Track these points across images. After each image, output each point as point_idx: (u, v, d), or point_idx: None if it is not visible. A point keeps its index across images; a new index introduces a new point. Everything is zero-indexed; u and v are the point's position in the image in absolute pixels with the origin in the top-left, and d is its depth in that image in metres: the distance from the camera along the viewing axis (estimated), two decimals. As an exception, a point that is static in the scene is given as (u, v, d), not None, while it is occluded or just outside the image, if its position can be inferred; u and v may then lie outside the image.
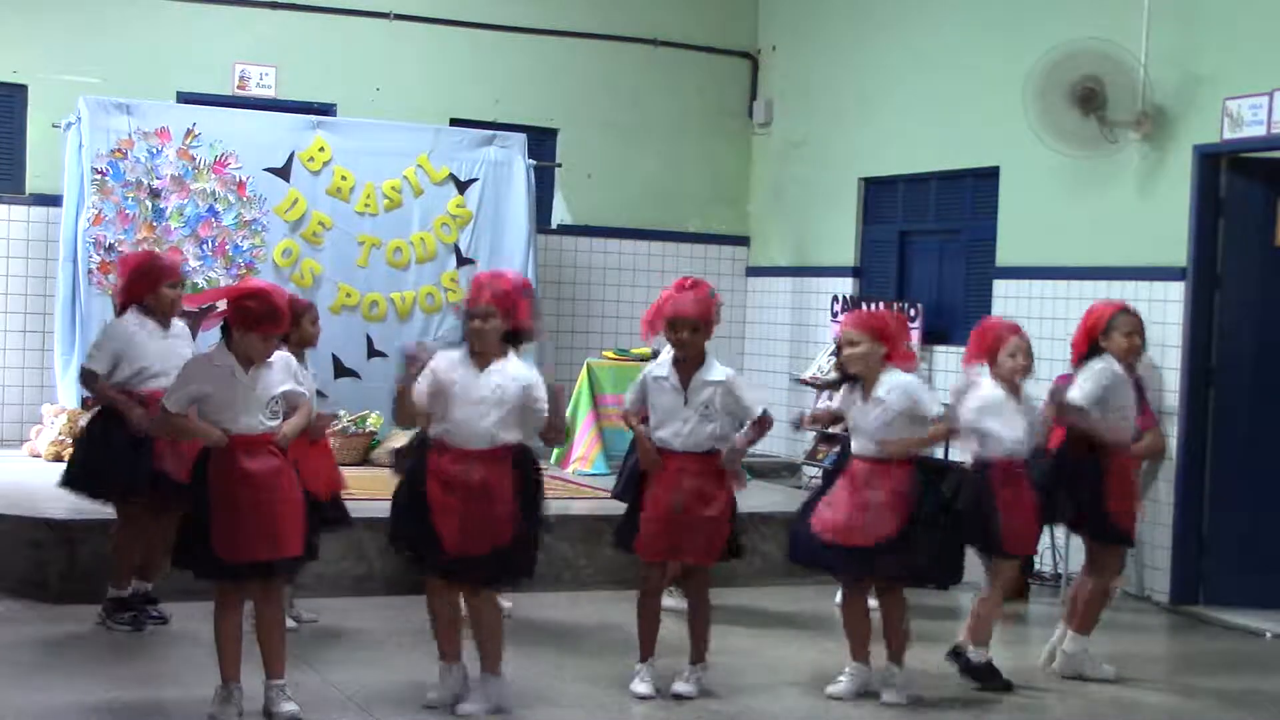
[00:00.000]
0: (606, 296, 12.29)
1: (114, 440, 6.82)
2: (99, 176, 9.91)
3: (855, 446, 6.38)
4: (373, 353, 10.63)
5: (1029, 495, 6.59)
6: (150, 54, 10.91)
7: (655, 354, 7.37)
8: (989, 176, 10.25)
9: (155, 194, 10.06)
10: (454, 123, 11.54)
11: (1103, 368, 6.75)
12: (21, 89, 10.67)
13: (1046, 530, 7.79)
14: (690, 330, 6.16)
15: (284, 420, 5.70)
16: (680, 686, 6.28)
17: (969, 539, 6.48)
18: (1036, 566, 9.04)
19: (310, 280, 10.42)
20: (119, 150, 9.99)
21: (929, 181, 11.00)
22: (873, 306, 10.55)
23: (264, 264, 10.31)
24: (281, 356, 5.75)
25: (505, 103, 11.93)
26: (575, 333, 12.15)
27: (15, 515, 7.74)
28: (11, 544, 7.62)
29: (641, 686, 6.26)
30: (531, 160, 11.23)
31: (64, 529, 7.56)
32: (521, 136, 11.27)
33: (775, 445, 11.97)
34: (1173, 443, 8.53)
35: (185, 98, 10.85)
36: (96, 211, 9.88)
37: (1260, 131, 8.20)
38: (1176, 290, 8.61)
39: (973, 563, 6.69)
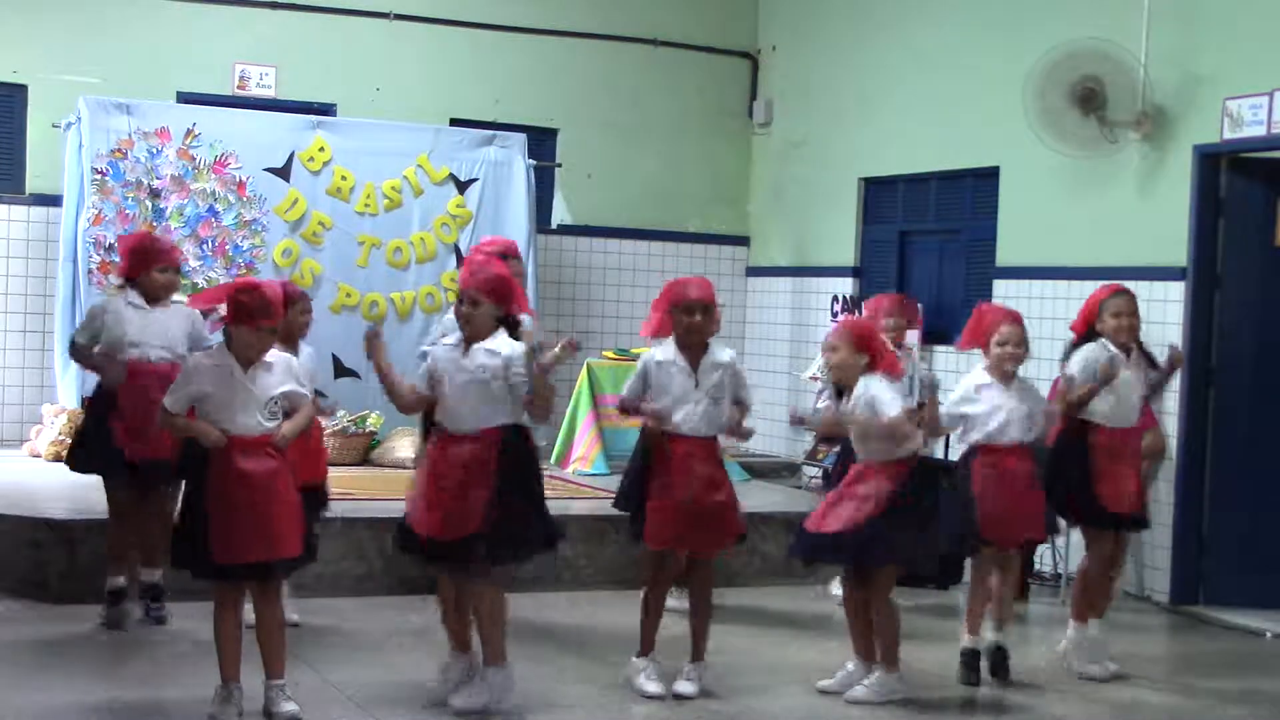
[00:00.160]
0: (606, 296, 12.29)
1: (98, 420, 7.01)
2: (99, 176, 9.92)
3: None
4: (373, 353, 10.62)
5: (1015, 481, 6.58)
6: (150, 54, 10.91)
7: None
8: (989, 176, 10.25)
9: (155, 194, 10.06)
10: (454, 123, 11.54)
11: (1091, 347, 6.81)
12: (21, 89, 10.67)
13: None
14: (702, 311, 6.20)
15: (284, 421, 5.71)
16: (682, 686, 6.28)
17: (948, 527, 6.45)
18: (1036, 566, 9.05)
19: (310, 280, 10.42)
20: (119, 150, 9.99)
21: (929, 181, 11.00)
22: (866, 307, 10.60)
23: (264, 264, 10.31)
24: (282, 358, 5.74)
25: (505, 103, 11.93)
26: (575, 333, 12.09)
27: (15, 515, 7.74)
28: (11, 544, 7.62)
29: (651, 685, 6.25)
30: (531, 160, 11.24)
31: (64, 529, 7.56)
32: (521, 136, 11.28)
33: (775, 445, 11.99)
34: (1173, 443, 8.54)
35: (185, 98, 10.85)
36: (96, 211, 9.88)
37: (1260, 131, 8.20)
38: (1176, 290, 8.61)
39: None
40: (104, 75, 10.69)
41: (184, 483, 5.80)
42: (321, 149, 10.60)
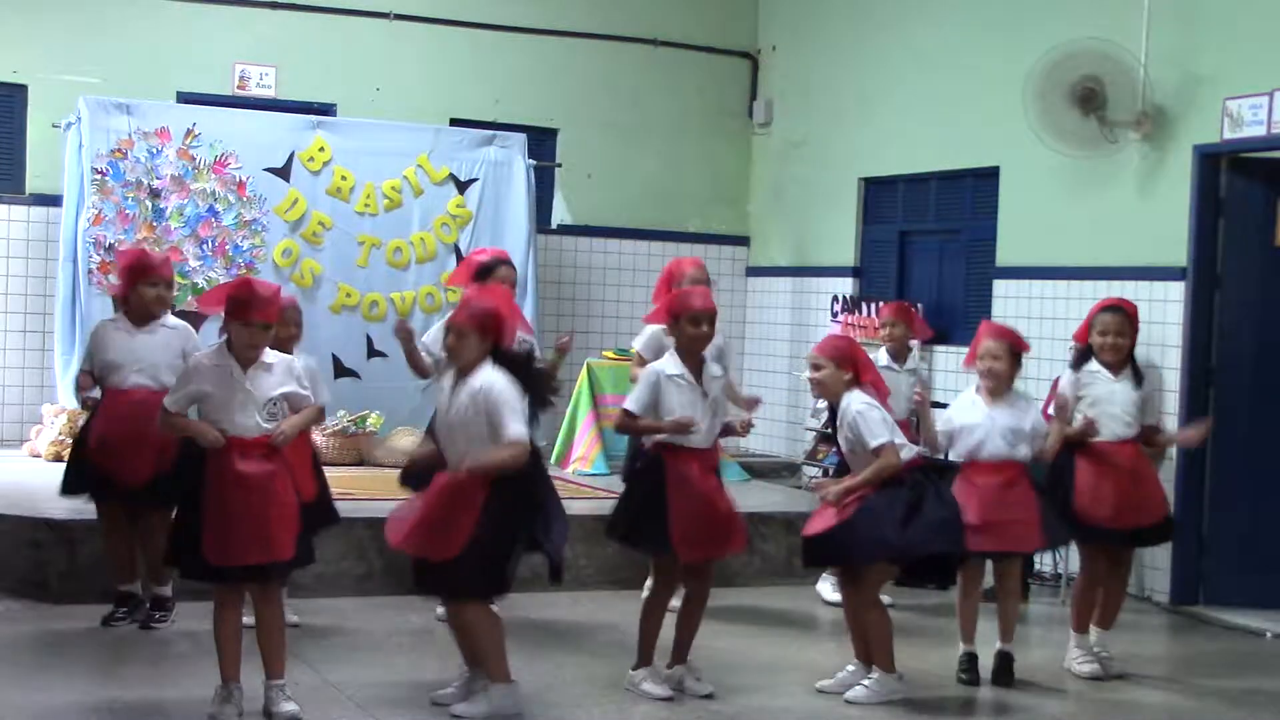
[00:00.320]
0: (606, 296, 12.28)
1: (78, 445, 7.13)
2: (99, 176, 9.92)
3: None
4: (373, 353, 10.63)
5: (985, 494, 6.56)
6: (150, 54, 10.91)
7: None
8: (989, 176, 10.25)
9: (155, 194, 10.06)
10: (454, 123, 11.54)
11: (1073, 375, 6.93)
12: (21, 89, 10.67)
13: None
14: (708, 323, 6.22)
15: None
16: (700, 686, 6.31)
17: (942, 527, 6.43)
18: (1037, 566, 9.05)
19: (310, 280, 10.43)
20: (119, 150, 9.99)
21: (929, 181, 11.00)
22: (876, 305, 10.61)
23: (264, 264, 10.31)
24: (283, 359, 5.74)
25: (505, 103, 11.93)
26: (575, 333, 12.12)
27: (15, 515, 7.74)
28: (11, 544, 7.62)
29: (660, 689, 6.24)
30: (531, 160, 11.23)
31: (64, 529, 7.56)
32: (521, 136, 11.28)
33: (775, 445, 11.99)
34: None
35: (185, 98, 10.85)
36: (96, 211, 9.88)
37: (1260, 131, 8.20)
38: (1176, 290, 8.61)
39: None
40: (104, 75, 10.69)
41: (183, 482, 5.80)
42: (321, 149, 10.59)
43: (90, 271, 9.80)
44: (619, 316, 12.11)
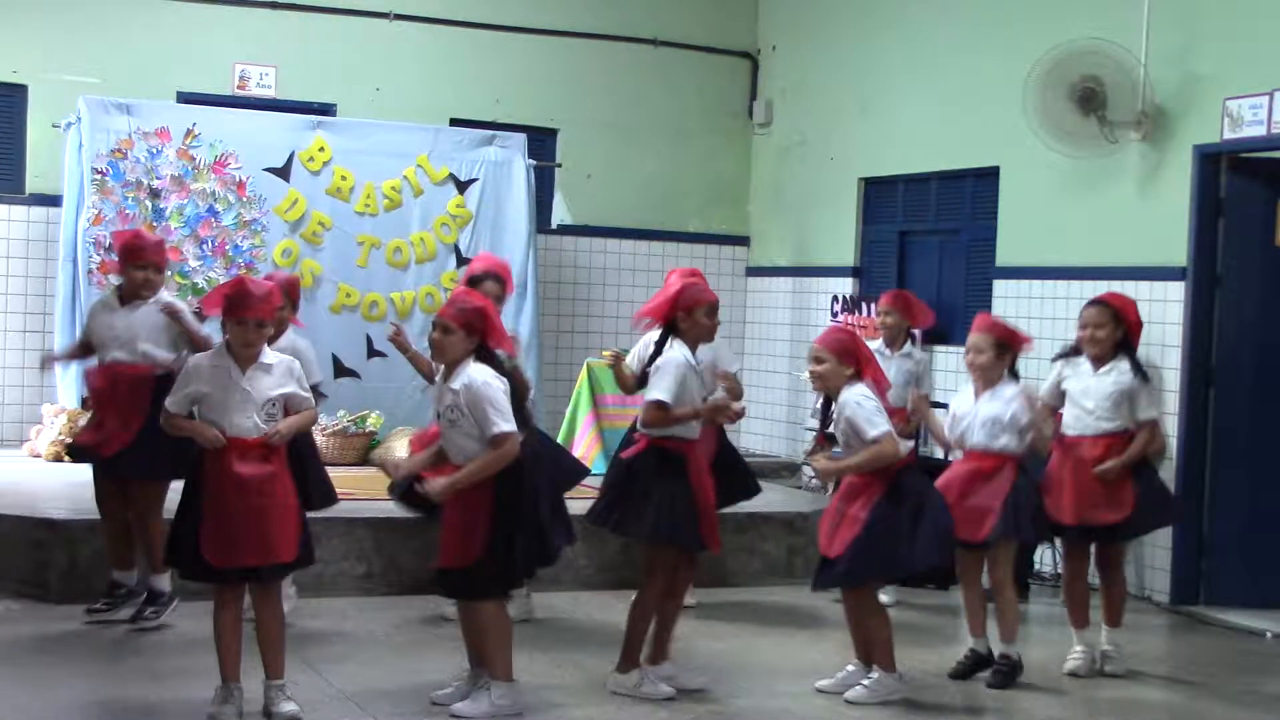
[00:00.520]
0: (606, 296, 12.28)
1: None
2: (99, 176, 9.92)
3: None
4: (373, 353, 10.63)
5: (955, 483, 6.58)
6: (150, 54, 10.91)
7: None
8: (989, 176, 10.25)
9: (155, 194, 10.06)
10: (454, 123, 11.54)
11: (1045, 378, 7.04)
12: (21, 89, 10.67)
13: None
14: (716, 314, 6.39)
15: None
16: (693, 678, 6.35)
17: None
18: (1036, 566, 9.05)
19: (310, 280, 10.42)
20: (119, 150, 9.99)
21: (929, 181, 11.00)
22: (876, 305, 10.60)
23: (264, 264, 10.31)
24: (283, 360, 5.74)
25: (505, 103, 11.93)
26: (575, 333, 12.16)
27: (15, 515, 7.74)
28: (11, 544, 7.62)
29: (664, 687, 6.24)
30: (531, 160, 11.23)
31: (64, 529, 7.56)
32: (521, 136, 11.28)
33: (775, 445, 11.99)
34: (1173, 443, 8.53)
35: (185, 98, 10.85)
36: (96, 211, 9.88)
37: (1260, 131, 8.20)
38: (1176, 290, 8.61)
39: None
40: (104, 75, 10.69)
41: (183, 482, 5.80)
42: (321, 149, 10.59)
43: (90, 271, 9.80)
44: (619, 317, 12.10)
